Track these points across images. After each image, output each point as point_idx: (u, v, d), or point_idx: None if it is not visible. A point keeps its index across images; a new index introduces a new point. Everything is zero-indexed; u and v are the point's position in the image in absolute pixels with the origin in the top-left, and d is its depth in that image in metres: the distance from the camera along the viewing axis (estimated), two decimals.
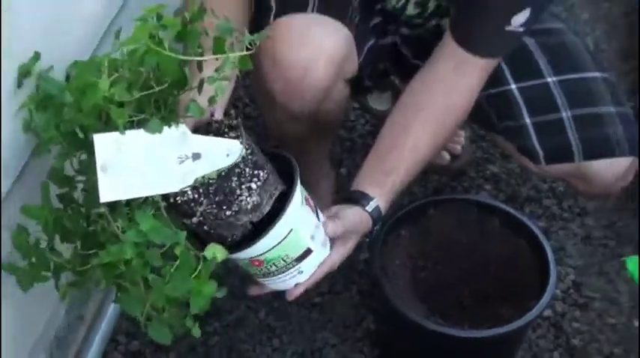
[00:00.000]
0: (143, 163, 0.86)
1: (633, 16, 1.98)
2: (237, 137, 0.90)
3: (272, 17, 1.13)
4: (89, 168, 0.88)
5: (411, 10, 1.29)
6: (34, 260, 0.90)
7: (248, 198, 0.92)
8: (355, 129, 1.77)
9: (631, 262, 0.92)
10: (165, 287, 0.85)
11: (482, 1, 1.15)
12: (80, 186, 0.93)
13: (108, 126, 0.87)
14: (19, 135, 0.92)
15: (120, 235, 0.84)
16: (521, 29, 1.15)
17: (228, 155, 0.90)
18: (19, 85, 0.91)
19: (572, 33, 1.34)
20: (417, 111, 1.19)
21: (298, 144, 1.29)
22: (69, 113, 0.86)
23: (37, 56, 0.91)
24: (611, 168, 1.27)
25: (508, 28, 1.13)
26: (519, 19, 1.13)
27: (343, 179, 1.56)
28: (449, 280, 1.41)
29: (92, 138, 0.84)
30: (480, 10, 1.16)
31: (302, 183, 0.98)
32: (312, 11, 1.20)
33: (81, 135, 0.86)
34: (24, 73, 0.91)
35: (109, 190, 0.84)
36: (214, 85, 0.85)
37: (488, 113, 1.32)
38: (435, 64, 1.21)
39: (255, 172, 0.92)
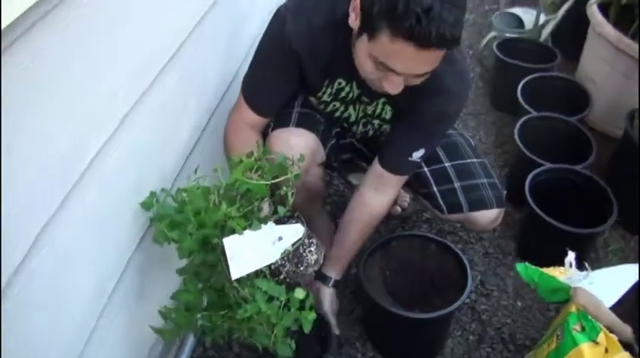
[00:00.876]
0: (253, 249, 1.11)
1: (499, 123, 2.52)
2: (297, 222, 1.21)
3: (271, 131, 1.51)
4: (214, 260, 1.14)
5: (358, 131, 1.64)
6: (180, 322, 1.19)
7: (311, 257, 1.21)
8: (345, 196, 2.14)
9: (518, 266, 1.36)
10: (285, 321, 1.14)
11: (397, 146, 1.50)
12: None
13: (223, 232, 1.12)
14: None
15: (248, 297, 1.10)
16: (419, 160, 1.50)
17: (296, 234, 1.19)
18: (147, 208, 1.16)
19: (459, 135, 1.70)
20: (352, 223, 1.59)
21: (300, 208, 1.38)
22: (192, 228, 1.11)
23: (153, 195, 1.18)
24: (485, 216, 1.62)
25: (410, 159, 1.48)
26: (417, 154, 1.48)
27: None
28: (405, 283, 1.74)
29: (221, 241, 1.10)
30: (394, 149, 1.51)
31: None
32: (292, 125, 1.51)
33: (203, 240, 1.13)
34: (148, 204, 1.17)
35: (237, 270, 1.09)
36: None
37: (414, 185, 1.69)
38: (365, 189, 1.56)
39: (311, 241, 1.22)
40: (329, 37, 1.34)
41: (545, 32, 2.73)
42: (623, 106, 2.17)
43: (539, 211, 1.83)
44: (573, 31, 2.66)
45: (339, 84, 1.47)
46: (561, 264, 1.31)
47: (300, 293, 1.16)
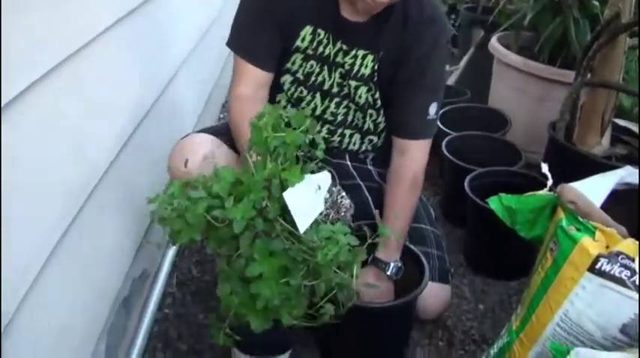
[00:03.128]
0: (306, 199, 1.08)
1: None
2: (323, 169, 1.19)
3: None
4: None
5: (330, 108, 1.58)
6: None
7: (345, 201, 1.30)
8: None
9: (491, 201, 1.29)
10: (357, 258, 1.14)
11: (411, 109, 1.50)
12: None
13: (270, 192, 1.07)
14: None
15: (320, 245, 1.07)
16: (435, 116, 1.51)
17: (327, 180, 1.16)
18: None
19: (420, 199, 1.65)
20: (392, 195, 1.54)
21: None
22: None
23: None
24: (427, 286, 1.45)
25: (429, 118, 1.50)
26: (433, 109, 1.49)
27: None
28: None
29: (281, 197, 1.05)
30: (410, 114, 1.51)
31: None
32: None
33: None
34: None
35: (302, 223, 1.06)
36: None
37: None
38: (392, 162, 1.56)
39: (338, 187, 1.31)
40: None
41: (451, 80, 2.84)
42: (540, 127, 2.23)
43: (482, 203, 1.76)
44: (477, 75, 2.79)
45: (319, 35, 1.47)
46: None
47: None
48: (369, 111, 1.58)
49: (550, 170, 2.13)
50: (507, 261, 1.89)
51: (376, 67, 1.50)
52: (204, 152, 1.46)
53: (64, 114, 1.18)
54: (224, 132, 1.56)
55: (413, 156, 1.54)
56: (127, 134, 1.50)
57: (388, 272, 1.50)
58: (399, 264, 1.50)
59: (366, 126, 1.61)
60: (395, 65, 1.48)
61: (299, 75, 1.55)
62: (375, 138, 1.65)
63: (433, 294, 1.54)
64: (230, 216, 1.03)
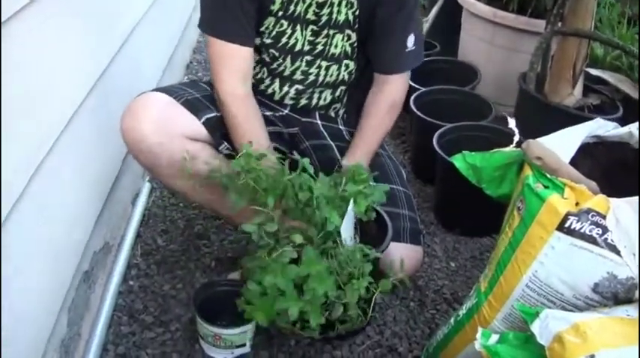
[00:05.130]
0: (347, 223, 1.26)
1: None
2: None
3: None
4: None
5: (299, 71, 1.54)
6: None
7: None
8: None
9: (455, 158, 1.25)
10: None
11: (388, 44, 1.49)
12: None
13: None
14: None
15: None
16: (414, 47, 1.50)
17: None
18: None
19: (389, 158, 1.66)
20: (370, 115, 1.55)
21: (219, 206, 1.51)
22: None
23: None
24: (397, 249, 1.45)
25: (407, 50, 1.50)
26: (411, 41, 1.49)
27: None
28: None
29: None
30: (387, 48, 1.50)
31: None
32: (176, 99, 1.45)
33: None
34: None
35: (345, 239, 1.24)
36: None
37: None
38: (369, 94, 1.56)
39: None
40: None
41: None
42: (510, 79, 2.19)
43: (449, 160, 1.70)
44: (446, 27, 2.72)
45: None
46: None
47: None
48: (345, 61, 1.54)
49: (521, 123, 2.13)
50: (478, 218, 1.85)
51: (357, 13, 1.47)
52: (158, 114, 1.39)
53: (13, 75, 1.09)
54: (181, 91, 1.49)
55: (391, 88, 1.55)
56: (82, 96, 1.43)
57: None
58: (364, 166, 1.48)
59: (340, 79, 1.57)
60: (373, 6, 1.45)
61: (269, 39, 1.49)
62: (345, 87, 1.61)
63: (403, 256, 1.46)
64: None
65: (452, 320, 1.32)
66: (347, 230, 1.25)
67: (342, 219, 1.25)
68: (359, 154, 1.52)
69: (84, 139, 1.46)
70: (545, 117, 1.97)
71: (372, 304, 1.27)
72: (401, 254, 1.43)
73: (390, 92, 1.56)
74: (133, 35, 1.85)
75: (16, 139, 1.09)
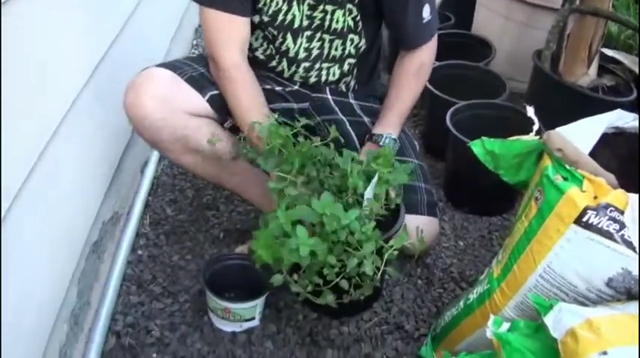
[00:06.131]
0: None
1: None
2: None
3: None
4: None
5: (301, 48, 1.52)
6: None
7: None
8: None
9: (473, 144, 1.23)
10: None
11: (404, 22, 1.49)
12: None
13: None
14: None
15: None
16: (430, 16, 1.50)
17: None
18: None
19: (403, 132, 1.61)
20: (395, 81, 1.55)
21: (214, 170, 1.50)
22: None
23: None
24: (414, 222, 1.45)
25: (424, 21, 1.50)
26: (427, 11, 1.49)
27: None
28: None
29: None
30: (404, 27, 1.50)
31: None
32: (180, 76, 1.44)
33: None
34: None
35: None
36: None
37: None
38: (397, 64, 1.56)
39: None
40: None
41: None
42: (525, 56, 2.16)
43: (462, 138, 1.72)
44: (461, 1, 2.68)
45: None
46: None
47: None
48: (350, 35, 1.51)
49: (534, 101, 2.12)
50: (489, 197, 1.85)
51: None
52: (161, 91, 1.38)
53: (23, 46, 1.08)
54: (185, 67, 1.47)
55: (418, 55, 1.56)
56: (91, 68, 1.42)
57: (381, 143, 1.49)
58: (393, 136, 1.50)
59: (346, 53, 1.54)
60: None
61: (267, 17, 1.46)
62: (354, 61, 1.59)
63: (420, 225, 1.47)
64: None
65: (461, 303, 1.31)
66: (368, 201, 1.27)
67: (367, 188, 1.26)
68: (389, 123, 1.52)
69: (94, 110, 1.45)
70: (559, 97, 1.96)
71: (383, 261, 1.24)
72: (419, 226, 1.43)
73: (417, 56, 1.55)
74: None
75: (27, 112, 1.09)
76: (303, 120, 1.34)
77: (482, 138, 1.23)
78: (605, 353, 0.84)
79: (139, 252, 1.65)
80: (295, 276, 1.24)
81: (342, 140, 1.44)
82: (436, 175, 2.01)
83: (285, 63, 1.53)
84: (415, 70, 1.55)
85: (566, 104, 1.90)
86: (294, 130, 1.31)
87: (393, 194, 1.33)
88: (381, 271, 1.23)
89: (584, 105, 1.88)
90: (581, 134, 1.10)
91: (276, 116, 1.35)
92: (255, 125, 1.31)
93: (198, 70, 1.47)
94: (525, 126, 1.60)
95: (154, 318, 1.46)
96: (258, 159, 1.31)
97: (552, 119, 1.65)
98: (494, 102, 1.94)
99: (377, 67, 1.70)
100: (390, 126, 1.52)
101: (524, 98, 2.11)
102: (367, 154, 1.36)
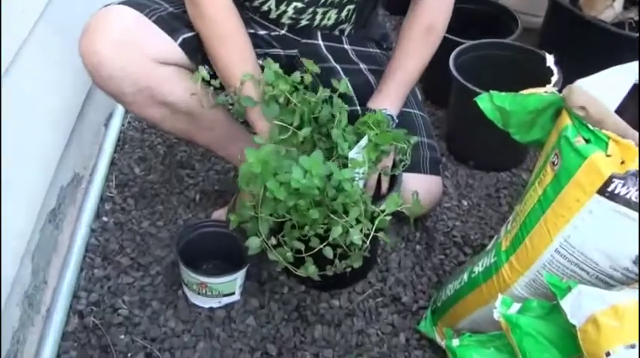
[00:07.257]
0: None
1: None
2: None
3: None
4: None
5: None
6: None
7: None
8: None
9: (479, 99, 1.12)
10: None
11: None
12: None
13: None
14: None
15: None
16: None
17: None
18: None
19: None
20: (400, 42, 1.39)
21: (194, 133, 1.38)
22: None
23: None
24: (416, 181, 1.39)
25: None
26: None
27: None
28: None
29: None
30: None
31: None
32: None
33: None
34: None
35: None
36: None
37: None
38: (404, 21, 1.40)
39: None
40: None
41: None
42: None
43: (467, 84, 1.59)
44: None
45: None
46: None
47: None
48: None
49: (550, 39, 1.96)
50: (496, 150, 1.70)
51: None
52: (122, 35, 1.21)
53: None
54: (154, 5, 1.29)
55: (426, 8, 1.37)
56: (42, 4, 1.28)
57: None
58: (389, 113, 1.34)
59: None
60: None
61: None
62: (354, 6, 1.42)
63: (423, 188, 1.37)
64: None
65: (465, 276, 1.22)
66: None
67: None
68: (388, 95, 1.36)
69: (48, 52, 1.31)
70: (579, 33, 1.81)
71: (374, 225, 1.15)
72: (421, 186, 1.35)
73: (425, 14, 1.37)
74: None
75: None
76: (310, 66, 1.21)
77: (491, 91, 1.09)
78: (633, 346, 0.77)
79: (104, 219, 1.53)
80: (274, 240, 1.14)
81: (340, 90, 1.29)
82: (437, 124, 1.87)
83: (272, 1, 1.34)
84: (423, 32, 1.37)
85: (586, 41, 1.76)
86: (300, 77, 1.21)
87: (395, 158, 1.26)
88: (370, 237, 1.13)
89: (607, 43, 1.72)
90: (608, 87, 0.97)
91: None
92: (247, 78, 1.19)
93: (168, 9, 1.29)
94: (541, 70, 1.45)
95: (121, 294, 1.36)
96: (261, 106, 1.20)
97: (570, 60, 1.53)
98: (504, 42, 1.78)
99: (376, 9, 1.53)
100: (387, 100, 1.36)
101: (539, 37, 1.94)
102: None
